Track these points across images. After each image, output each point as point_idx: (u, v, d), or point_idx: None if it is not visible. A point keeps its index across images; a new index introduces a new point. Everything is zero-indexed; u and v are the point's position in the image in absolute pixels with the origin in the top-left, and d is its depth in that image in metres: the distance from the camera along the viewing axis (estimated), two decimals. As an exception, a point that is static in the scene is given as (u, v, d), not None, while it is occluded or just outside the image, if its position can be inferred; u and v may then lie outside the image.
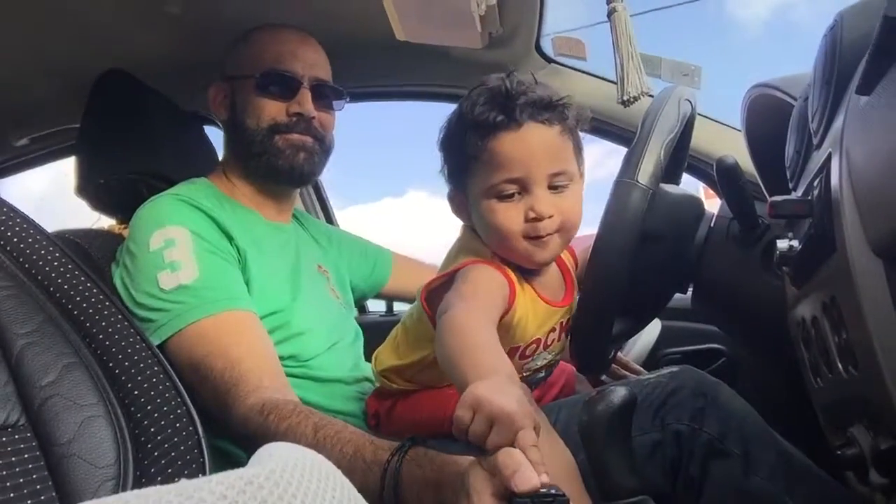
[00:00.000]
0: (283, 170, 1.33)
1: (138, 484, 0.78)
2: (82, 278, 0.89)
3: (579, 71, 1.65)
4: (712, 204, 1.16)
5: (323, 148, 1.37)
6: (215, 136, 1.67)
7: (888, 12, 0.54)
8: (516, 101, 0.95)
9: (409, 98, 1.89)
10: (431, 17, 1.34)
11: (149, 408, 0.82)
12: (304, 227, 1.52)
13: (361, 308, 2.04)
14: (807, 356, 0.83)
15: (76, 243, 1.21)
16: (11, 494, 0.71)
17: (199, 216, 1.20)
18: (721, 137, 1.53)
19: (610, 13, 1.22)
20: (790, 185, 0.93)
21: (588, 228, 1.07)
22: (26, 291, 0.84)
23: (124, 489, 0.77)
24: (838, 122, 0.68)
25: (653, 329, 1.46)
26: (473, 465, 0.72)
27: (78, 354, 0.83)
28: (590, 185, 1.07)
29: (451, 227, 1.11)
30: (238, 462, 0.42)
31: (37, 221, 0.93)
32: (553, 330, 1.06)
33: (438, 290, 0.99)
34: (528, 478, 0.64)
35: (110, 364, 0.84)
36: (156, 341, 1.08)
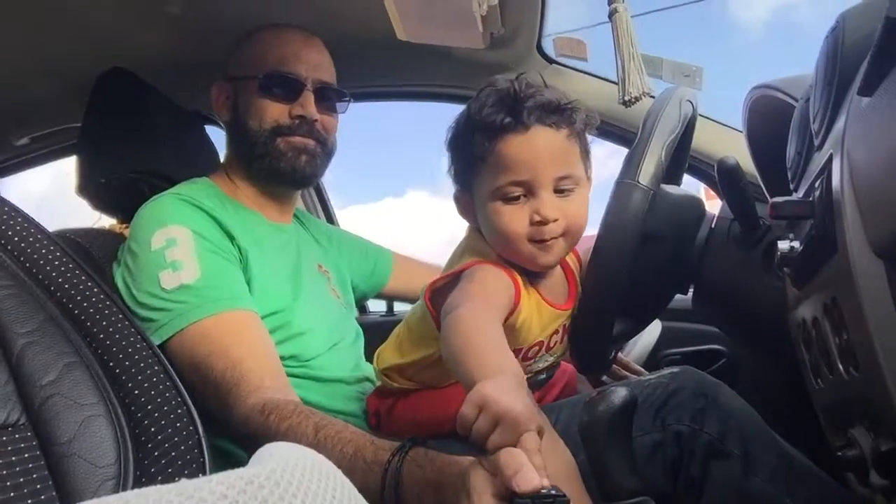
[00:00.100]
0: (284, 172, 1.33)
1: (138, 483, 0.78)
2: (83, 277, 0.89)
3: (580, 71, 1.65)
4: (713, 205, 1.16)
5: (325, 150, 1.37)
6: (216, 136, 1.67)
7: (890, 13, 0.54)
8: (524, 104, 0.95)
9: (410, 98, 1.89)
10: (433, 17, 1.34)
11: (149, 407, 0.82)
12: (304, 227, 1.52)
13: (362, 308, 2.04)
14: (807, 357, 0.83)
15: (77, 242, 1.21)
16: (12, 494, 0.71)
17: (200, 216, 1.20)
18: (722, 138, 1.53)
19: (611, 14, 1.22)
20: (791, 187, 0.93)
21: (590, 229, 1.07)
22: (27, 291, 0.84)
23: (124, 489, 0.77)
24: (840, 124, 0.68)
25: (653, 330, 1.46)
26: (474, 465, 0.72)
27: (78, 354, 0.83)
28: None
29: (450, 227, 1.12)
30: (239, 462, 0.42)
31: (38, 221, 0.93)
32: (556, 332, 1.06)
33: (443, 290, 0.99)
34: (529, 478, 0.64)
35: (111, 363, 0.84)
36: (157, 341, 1.08)
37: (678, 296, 1.13)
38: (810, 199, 0.74)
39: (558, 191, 0.97)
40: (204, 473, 0.79)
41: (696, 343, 1.59)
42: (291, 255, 1.37)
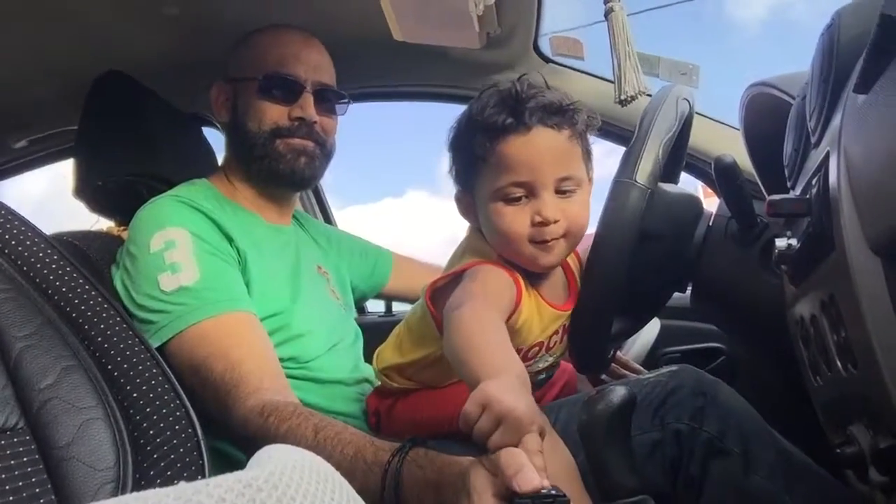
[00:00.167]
0: (283, 174, 1.33)
1: (137, 486, 0.77)
2: (80, 281, 0.89)
3: (577, 70, 1.65)
4: (711, 203, 1.17)
5: (324, 152, 1.37)
6: (214, 138, 1.67)
7: (886, 10, 0.54)
8: (526, 105, 0.95)
9: (407, 98, 1.89)
10: (429, 17, 1.33)
11: (147, 410, 0.82)
12: (304, 229, 1.52)
13: (361, 309, 2.04)
14: (806, 355, 0.83)
15: (74, 245, 1.21)
16: (11, 498, 0.71)
17: (199, 218, 1.20)
18: (719, 136, 1.53)
19: (607, 13, 1.22)
20: (788, 184, 0.93)
21: (589, 228, 1.07)
22: (24, 294, 0.84)
23: (123, 492, 0.77)
24: (836, 121, 0.68)
25: (652, 328, 1.46)
26: (475, 465, 0.72)
27: (77, 357, 0.83)
28: (589, 185, 1.07)
29: (450, 228, 1.12)
30: (238, 464, 0.42)
31: (35, 224, 0.93)
32: (556, 333, 1.06)
33: (443, 290, 0.99)
34: (530, 478, 0.64)
35: (109, 366, 0.84)
36: (156, 343, 1.08)
37: (676, 294, 1.13)
38: (807, 196, 0.74)
39: (559, 192, 0.97)
40: (203, 476, 0.79)
41: (695, 341, 1.59)
42: (290, 257, 1.37)
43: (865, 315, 0.58)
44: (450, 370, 0.99)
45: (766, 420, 0.96)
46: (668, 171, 1.04)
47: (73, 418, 0.77)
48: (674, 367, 1.03)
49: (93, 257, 1.22)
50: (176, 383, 0.86)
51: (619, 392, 0.74)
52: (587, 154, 1.02)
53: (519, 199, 0.97)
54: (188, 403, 0.85)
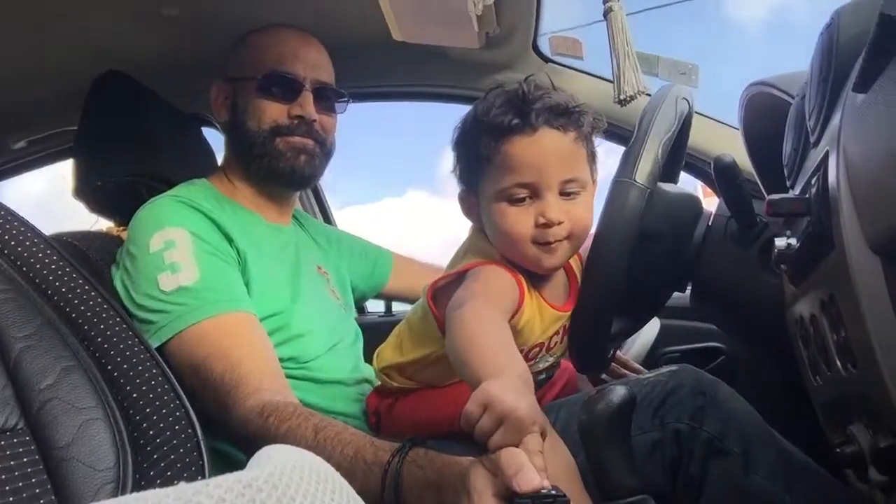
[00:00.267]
0: (283, 172, 1.33)
1: (137, 487, 0.77)
2: (80, 281, 0.89)
3: (576, 70, 1.65)
4: (710, 202, 1.16)
5: (324, 151, 1.37)
6: (213, 138, 1.67)
7: (885, 10, 0.54)
8: (532, 106, 0.95)
9: (406, 98, 1.89)
10: (428, 17, 1.34)
11: (147, 410, 0.82)
12: (303, 228, 1.52)
13: (361, 309, 2.04)
14: (805, 354, 0.83)
15: (74, 246, 1.21)
16: (11, 498, 0.71)
17: (198, 218, 1.20)
18: (719, 136, 1.53)
19: (606, 12, 1.22)
20: (788, 183, 0.93)
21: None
22: (24, 295, 0.84)
23: (123, 492, 0.77)
24: (835, 120, 0.68)
25: (652, 328, 1.46)
26: (475, 465, 0.72)
27: (76, 357, 0.83)
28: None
29: (451, 228, 1.11)
30: (238, 464, 0.42)
31: (34, 224, 0.93)
32: (556, 333, 1.06)
33: (445, 289, 0.99)
34: (530, 478, 0.64)
35: (109, 367, 0.84)
36: (156, 343, 1.08)
37: (676, 294, 1.13)
38: (807, 195, 0.74)
39: (564, 194, 0.97)
40: (203, 476, 0.79)
41: (695, 341, 1.59)
42: (290, 257, 1.37)
43: (865, 314, 0.58)
44: (450, 370, 0.99)
45: (766, 420, 0.96)
46: (668, 170, 1.04)
47: (72, 419, 0.77)
48: (673, 367, 1.03)
49: (92, 258, 1.22)
50: (176, 383, 0.86)
51: (618, 392, 0.74)
52: (592, 156, 1.02)
53: (523, 199, 0.96)
54: (188, 404, 0.84)
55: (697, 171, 1.56)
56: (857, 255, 0.59)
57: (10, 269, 0.85)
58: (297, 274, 1.34)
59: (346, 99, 1.42)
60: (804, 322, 0.80)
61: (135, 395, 0.83)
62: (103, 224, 1.56)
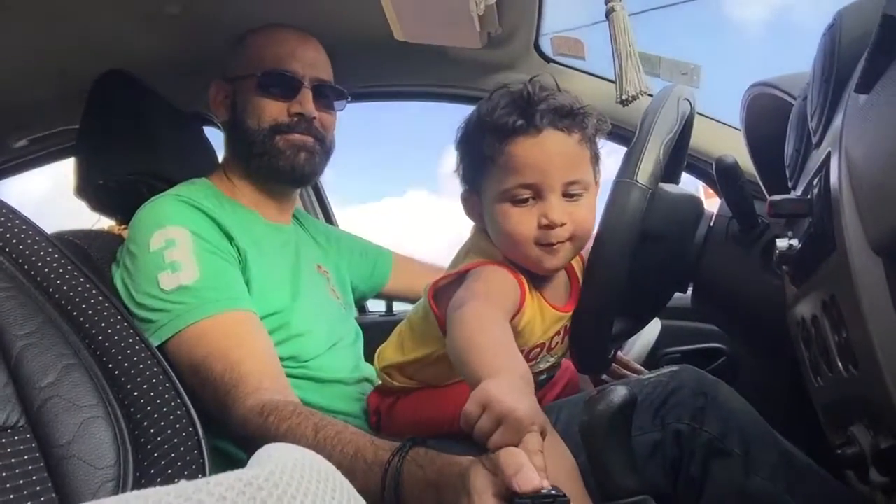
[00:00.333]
0: (284, 170, 1.33)
1: (138, 485, 0.78)
2: (81, 279, 0.89)
3: (578, 70, 1.65)
4: (712, 203, 1.16)
5: (324, 148, 1.37)
6: (214, 137, 1.67)
7: (887, 11, 0.54)
8: (537, 107, 0.95)
9: (408, 98, 1.89)
10: (430, 17, 1.34)
11: (148, 409, 0.82)
12: (304, 228, 1.52)
13: (361, 308, 2.04)
14: (807, 355, 0.83)
15: (76, 244, 1.21)
16: (11, 496, 0.71)
17: (199, 216, 1.20)
18: (720, 136, 1.53)
19: (608, 13, 1.23)
20: (789, 184, 0.93)
21: (591, 229, 1.06)
22: (25, 293, 0.84)
23: (124, 490, 0.77)
24: (837, 121, 0.68)
25: (653, 328, 1.46)
26: (475, 465, 0.72)
27: (77, 356, 0.83)
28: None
29: (453, 227, 1.11)
30: (239, 463, 0.42)
31: (36, 223, 0.93)
32: (557, 334, 1.06)
33: (446, 289, 0.99)
34: (529, 478, 0.64)
35: (110, 365, 0.84)
36: (156, 342, 1.08)
37: (677, 294, 1.13)
38: (808, 196, 0.74)
39: (567, 195, 0.97)
40: (204, 475, 0.79)
41: (696, 341, 1.59)
42: (290, 256, 1.37)
43: (866, 316, 0.58)
44: (451, 369, 0.99)
45: (767, 420, 0.96)
46: (670, 171, 1.04)
47: (73, 417, 0.78)
48: (674, 368, 1.03)
49: (94, 256, 1.22)
50: (177, 382, 0.87)
51: (619, 392, 0.74)
52: (595, 158, 1.02)
53: (526, 200, 0.96)
54: (189, 402, 0.85)
55: (699, 171, 1.56)
56: (859, 256, 0.59)
57: (11, 266, 0.86)
58: (297, 273, 1.34)
59: (345, 97, 1.42)
60: (805, 323, 0.80)
61: (136, 394, 0.83)
62: (105, 223, 1.56)
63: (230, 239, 1.21)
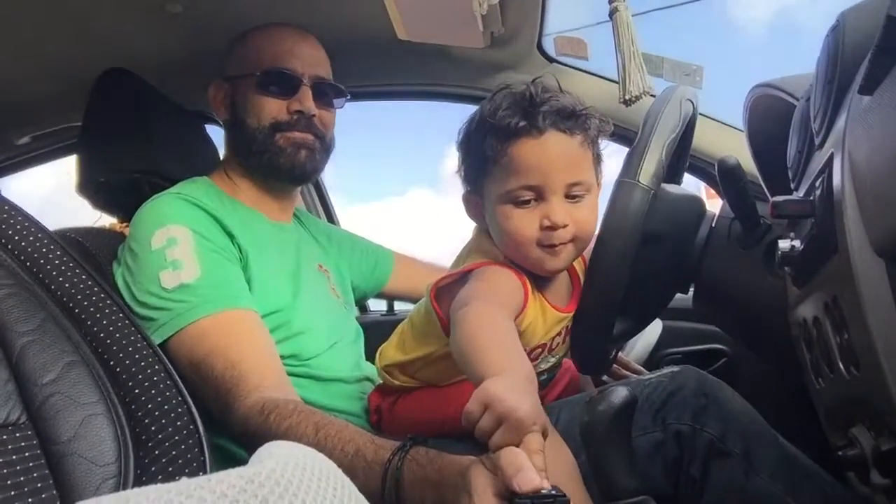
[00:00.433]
0: (284, 168, 1.33)
1: (139, 482, 0.78)
2: (83, 276, 0.89)
3: (581, 70, 1.65)
4: (714, 204, 1.16)
5: (324, 146, 1.37)
6: (216, 135, 1.67)
7: (891, 12, 0.54)
8: (539, 108, 0.95)
9: (410, 98, 1.89)
10: (433, 16, 1.34)
11: (149, 406, 0.82)
12: (304, 227, 1.52)
13: (362, 307, 2.04)
14: (808, 356, 0.83)
15: (77, 241, 1.21)
16: (12, 492, 0.71)
17: (200, 215, 1.20)
18: (723, 137, 1.53)
19: (612, 13, 1.23)
20: (792, 186, 0.93)
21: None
22: (27, 290, 0.84)
23: (125, 487, 0.77)
24: (840, 123, 0.68)
25: (654, 329, 1.46)
26: (475, 464, 0.72)
27: (79, 353, 0.83)
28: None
29: (454, 226, 1.11)
30: (240, 461, 0.42)
31: (39, 220, 0.93)
32: (559, 334, 1.06)
33: (448, 289, 0.99)
34: (530, 478, 0.64)
35: (111, 362, 0.84)
36: (157, 340, 1.08)
37: (679, 295, 1.13)
38: (811, 198, 0.74)
39: (569, 197, 0.97)
40: (205, 472, 0.79)
41: (697, 342, 1.59)
42: (291, 254, 1.37)
43: (868, 317, 0.58)
44: (452, 369, 0.99)
45: (768, 421, 0.96)
46: (672, 171, 1.04)
47: (74, 414, 0.78)
48: (675, 368, 1.02)
49: (95, 253, 1.22)
50: (178, 380, 0.87)
51: (620, 393, 0.74)
52: (598, 159, 1.02)
53: (528, 202, 0.96)
54: (190, 400, 0.85)
55: (701, 172, 1.56)
56: (861, 257, 0.59)
57: (13, 264, 0.86)
58: (297, 271, 1.34)
59: (344, 94, 1.42)
60: (807, 324, 0.80)
61: (137, 391, 0.83)
62: (106, 220, 1.57)
63: (231, 237, 1.22)
